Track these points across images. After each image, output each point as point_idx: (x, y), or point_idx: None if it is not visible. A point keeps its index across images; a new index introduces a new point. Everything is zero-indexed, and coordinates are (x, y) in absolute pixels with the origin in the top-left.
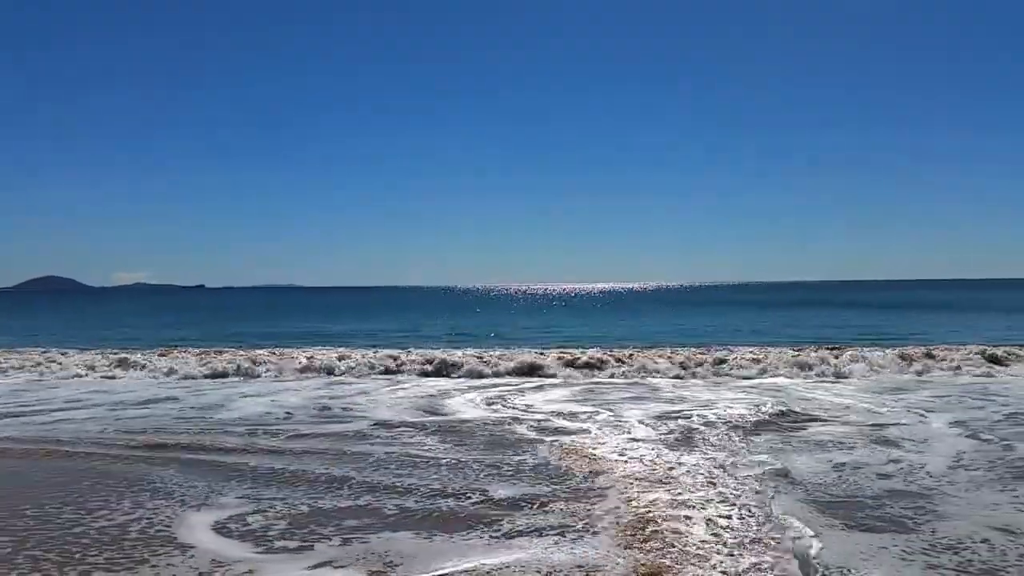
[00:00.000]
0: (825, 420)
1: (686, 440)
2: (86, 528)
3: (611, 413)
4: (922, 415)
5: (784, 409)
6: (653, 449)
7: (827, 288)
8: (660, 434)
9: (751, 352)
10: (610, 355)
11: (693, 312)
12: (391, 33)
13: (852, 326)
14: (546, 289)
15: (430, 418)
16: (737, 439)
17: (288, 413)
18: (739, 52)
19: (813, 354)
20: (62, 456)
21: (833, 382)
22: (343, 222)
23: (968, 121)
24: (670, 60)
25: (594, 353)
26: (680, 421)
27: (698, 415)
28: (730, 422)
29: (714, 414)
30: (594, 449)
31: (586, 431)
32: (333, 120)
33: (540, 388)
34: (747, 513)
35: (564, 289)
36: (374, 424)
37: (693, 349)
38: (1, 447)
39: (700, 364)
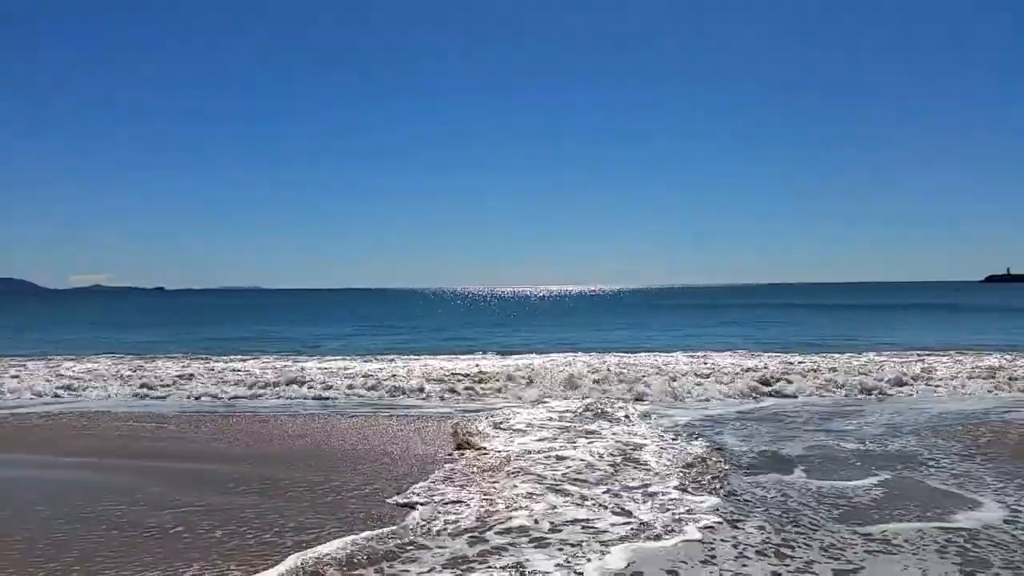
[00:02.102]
0: None
1: None
2: None
3: None
4: None
5: None
6: None
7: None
8: None
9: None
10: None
11: (616, 317)
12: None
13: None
14: (491, 290)
15: None
16: None
17: None
18: (704, 52)
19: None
20: None
21: None
22: (307, 223)
23: (937, 123)
24: (622, 60)
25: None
26: None
27: None
28: None
29: None
30: None
31: None
32: (298, 120)
33: None
34: None
35: (513, 291)
36: None
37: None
38: None
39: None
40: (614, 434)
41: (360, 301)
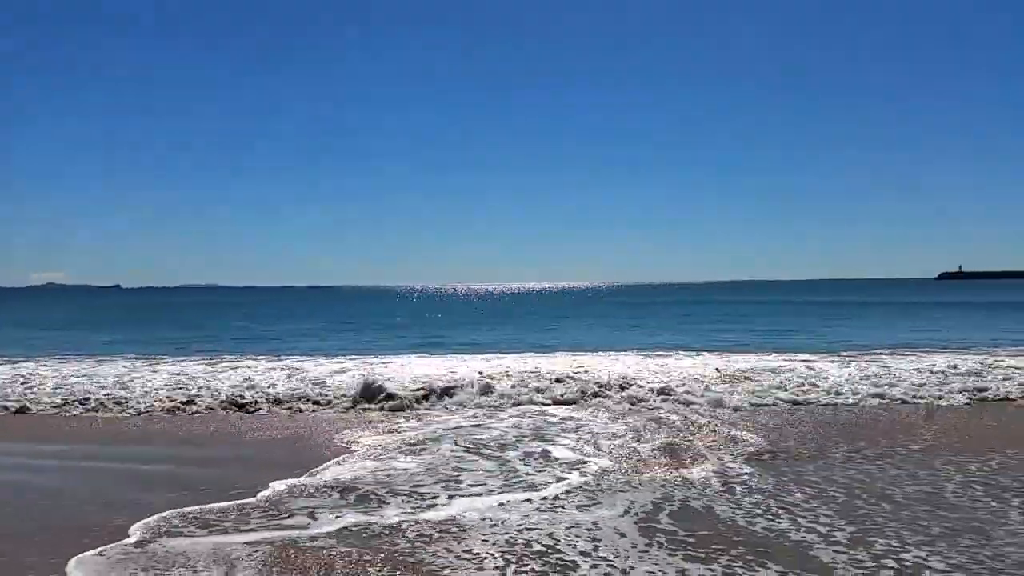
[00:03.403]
0: None
1: None
2: None
3: None
4: None
5: None
6: None
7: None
8: None
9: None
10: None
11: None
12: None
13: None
14: (466, 288)
15: None
16: None
17: None
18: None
19: None
20: None
21: None
22: (267, 221)
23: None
24: (620, 60)
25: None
26: None
27: None
28: None
29: None
30: None
31: None
32: (255, 119)
33: None
34: None
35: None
36: None
37: None
38: None
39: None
40: None
41: (325, 299)
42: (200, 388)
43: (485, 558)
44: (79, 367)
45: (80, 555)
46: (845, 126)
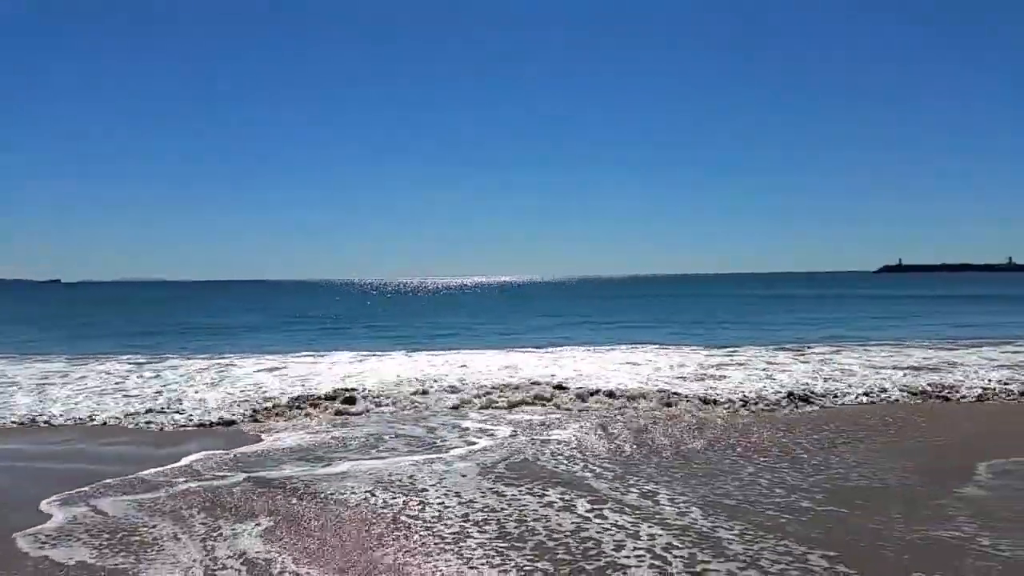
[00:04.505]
0: None
1: None
2: None
3: None
4: None
5: None
6: None
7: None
8: None
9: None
10: None
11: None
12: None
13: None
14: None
15: None
16: None
17: None
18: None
19: None
20: None
21: None
22: (212, 213)
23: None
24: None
25: None
26: None
27: None
28: None
29: None
30: None
31: None
32: (201, 111)
33: None
34: None
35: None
36: None
37: None
38: None
39: None
40: None
41: (285, 293)
42: None
43: (356, 490)
44: None
45: None
46: (802, 124)
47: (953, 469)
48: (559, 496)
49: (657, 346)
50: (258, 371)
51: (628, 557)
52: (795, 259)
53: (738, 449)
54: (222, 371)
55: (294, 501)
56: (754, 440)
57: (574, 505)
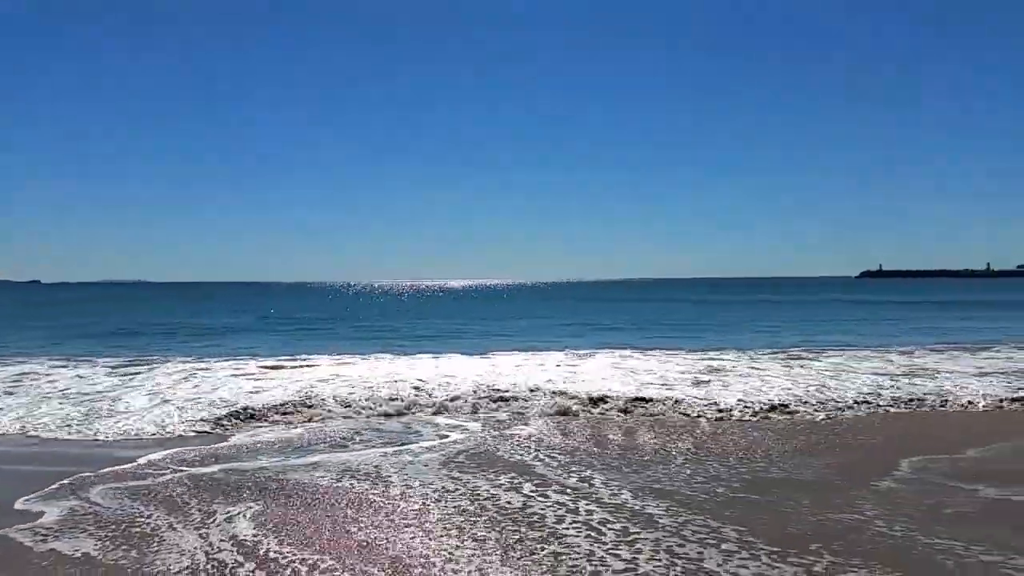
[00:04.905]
0: None
1: None
2: None
3: None
4: None
5: None
6: None
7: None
8: None
9: None
10: None
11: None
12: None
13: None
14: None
15: None
16: None
17: None
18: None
19: None
20: None
21: None
22: (212, 213)
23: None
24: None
25: None
26: None
27: None
28: None
29: None
30: None
31: None
32: (201, 111)
33: None
34: None
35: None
36: None
37: None
38: None
39: None
40: None
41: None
42: None
43: (327, 477)
44: None
45: None
46: (783, 128)
47: (876, 465)
48: (509, 480)
49: (638, 351)
50: (232, 375)
51: (568, 528)
52: (780, 264)
53: (672, 445)
54: (191, 376)
55: (272, 487)
56: (691, 438)
57: (521, 487)
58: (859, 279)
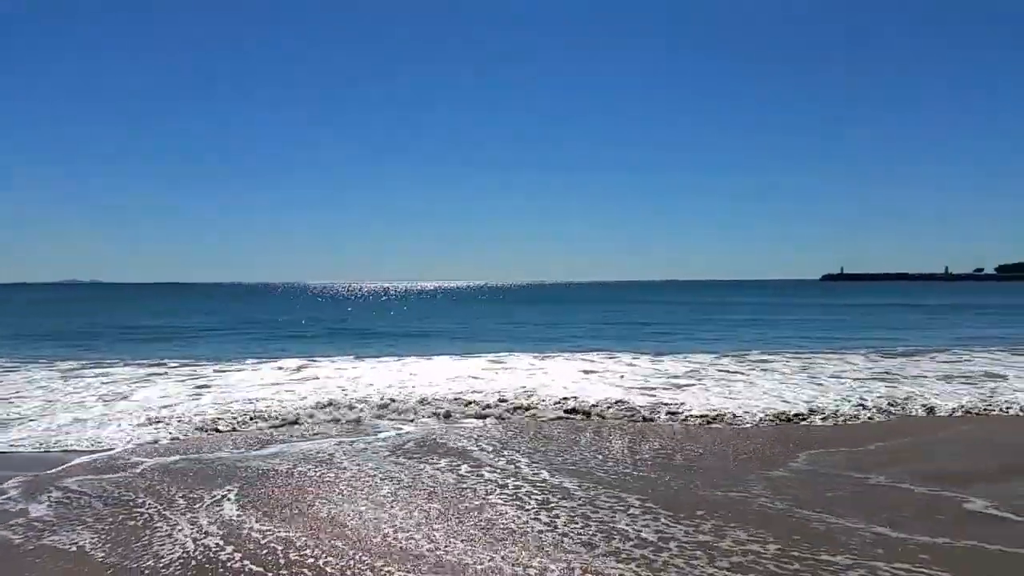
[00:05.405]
0: None
1: None
2: None
3: None
4: None
5: None
6: None
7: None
8: None
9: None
10: None
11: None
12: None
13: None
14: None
15: None
16: None
17: None
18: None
19: None
20: None
21: None
22: (191, 213)
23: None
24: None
25: None
26: None
27: None
28: None
29: None
30: None
31: None
32: (201, 110)
33: None
34: None
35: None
36: None
37: None
38: None
39: None
40: None
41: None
42: None
43: (286, 463)
44: None
45: None
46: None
47: (776, 458)
48: (448, 463)
49: (604, 353)
50: (187, 380)
51: (496, 499)
52: (743, 267)
53: (595, 434)
54: (145, 382)
55: (238, 473)
56: (610, 431)
57: (460, 467)
58: (821, 282)
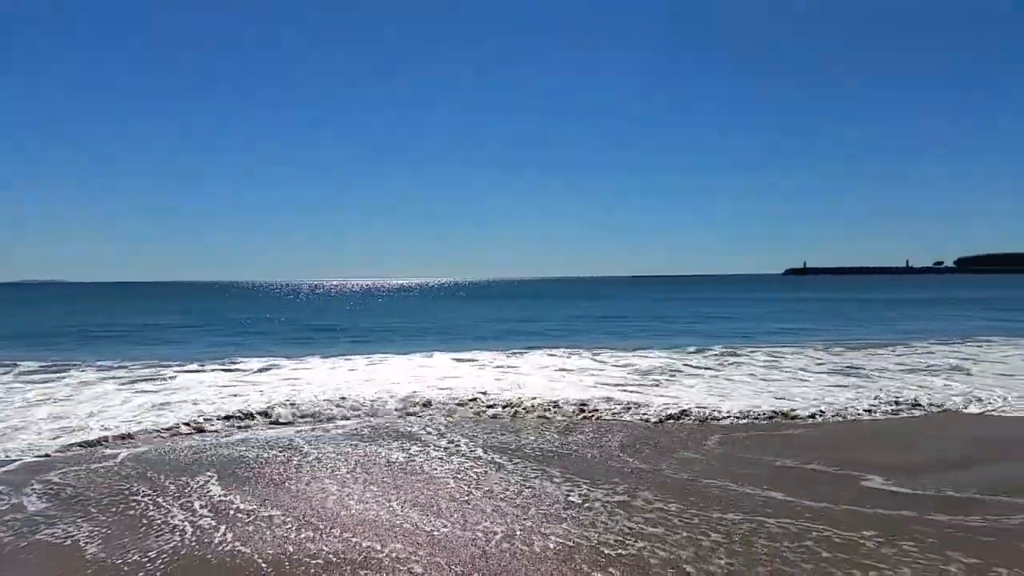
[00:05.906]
0: None
1: None
2: None
3: None
4: None
5: None
6: None
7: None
8: None
9: None
10: None
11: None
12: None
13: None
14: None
15: None
16: None
17: None
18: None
19: None
20: None
21: None
22: (190, 213)
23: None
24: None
25: None
26: None
27: None
28: None
29: None
30: None
31: None
32: (201, 110)
33: None
34: None
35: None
36: None
37: None
38: None
39: None
40: None
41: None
42: None
43: (253, 449)
44: None
45: None
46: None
47: (694, 442)
48: (398, 445)
49: (576, 350)
50: (139, 382)
51: (440, 472)
52: (705, 262)
53: (531, 419)
54: (90, 384)
55: (204, 458)
56: (548, 419)
57: (407, 448)
58: (784, 276)
